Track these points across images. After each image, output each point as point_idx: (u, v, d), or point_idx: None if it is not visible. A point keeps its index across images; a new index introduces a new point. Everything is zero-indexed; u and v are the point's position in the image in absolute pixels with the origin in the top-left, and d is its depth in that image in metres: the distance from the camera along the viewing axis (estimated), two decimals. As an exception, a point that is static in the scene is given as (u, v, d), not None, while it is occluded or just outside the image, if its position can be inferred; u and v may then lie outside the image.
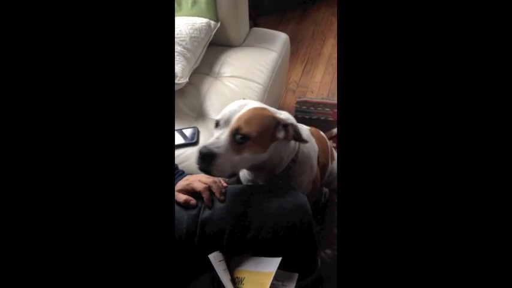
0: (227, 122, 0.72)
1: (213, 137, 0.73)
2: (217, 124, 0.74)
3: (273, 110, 0.80)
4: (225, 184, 0.81)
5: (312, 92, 1.84)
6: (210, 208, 0.76)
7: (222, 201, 0.77)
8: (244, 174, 0.92)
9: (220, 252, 0.75)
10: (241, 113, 0.73)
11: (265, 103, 1.19)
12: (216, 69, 1.28)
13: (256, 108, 0.75)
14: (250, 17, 1.58)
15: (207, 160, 0.69)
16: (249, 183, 0.92)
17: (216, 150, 0.69)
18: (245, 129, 0.70)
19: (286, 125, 0.77)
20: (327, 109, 1.70)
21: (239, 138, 0.70)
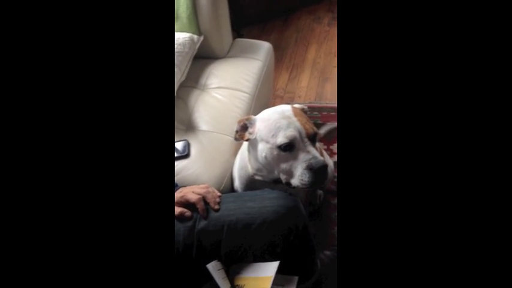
0: (301, 137, 0.74)
1: (302, 154, 0.72)
2: (289, 147, 0.73)
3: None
4: (218, 193, 0.82)
5: (300, 97, 1.87)
6: (205, 218, 0.76)
7: (217, 211, 0.77)
8: (242, 180, 0.93)
9: (219, 261, 0.75)
10: (297, 119, 0.75)
11: (253, 111, 1.23)
12: (203, 81, 1.30)
13: (296, 108, 0.81)
14: (233, 29, 1.61)
15: (324, 173, 0.72)
16: (244, 190, 0.93)
17: (322, 160, 0.72)
18: (314, 129, 0.77)
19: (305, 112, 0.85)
20: (315, 112, 1.73)
21: (314, 139, 0.76)
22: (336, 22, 2.39)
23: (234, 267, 0.78)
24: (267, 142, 0.76)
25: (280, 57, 2.10)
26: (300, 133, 0.73)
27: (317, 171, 0.71)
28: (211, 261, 0.74)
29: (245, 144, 0.90)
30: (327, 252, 1.17)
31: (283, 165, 0.75)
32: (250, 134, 0.81)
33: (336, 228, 1.30)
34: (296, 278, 0.77)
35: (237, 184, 0.96)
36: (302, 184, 0.73)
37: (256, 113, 1.27)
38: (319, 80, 1.96)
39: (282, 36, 2.29)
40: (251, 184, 0.89)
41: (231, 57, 1.39)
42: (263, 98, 1.36)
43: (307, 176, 0.71)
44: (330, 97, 1.84)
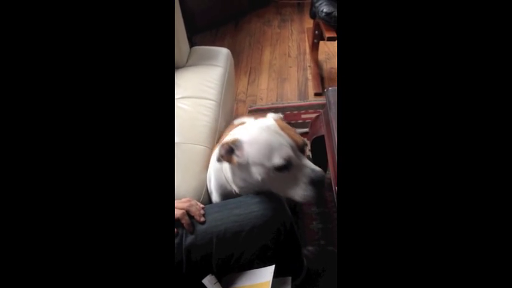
0: (294, 152, 0.72)
1: (300, 170, 0.72)
2: (286, 167, 0.71)
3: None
4: (202, 205, 0.79)
5: (261, 99, 1.89)
6: (192, 233, 0.74)
7: (203, 223, 0.75)
8: (221, 197, 0.90)
9: (212, 274, 0.73)
10: (286, 134, 0.74)
11: (221, 117, 1.22)
12: (165, 92, 1.26)
13: (279, 120, 0.80)
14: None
15: (323, 183, 0.73)
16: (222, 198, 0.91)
17: (320, 171, 0.73)
18: (302, 138, 0.77)
19: None
20: (279, 113, 1.76)
21: (304, 149, 0.76)
22: (285, 24, 2.46)
23: (225, 278, 0.77)
24: (262, 165, 0.72)
25: (237, 62, 2.11)
26: (292, 148, 0.72)
27: (318, 183, 0.71)
28: (203, 274, 0.72)
29: (221, 165, 0.85)
30: (310, 248, 1.19)
31: (283, 185, 0.74)
32: (238, 157, 0.75)
33: (314, 223, 1.34)
34: (289, 279, 0.77)
35: (216, 198, 0.93)
36: (305, 199, 0.72)
37: (223, 117, 1.27)
38: (278, 81, 2.00)
39: (235, 41, 2.30)
40: (231, 197, 0.87)
41: (191, 65, 1.37)
42: (228, 104, 1.35)
43: (311, 190, 0.71)
44: (290, 97, 1.89)
